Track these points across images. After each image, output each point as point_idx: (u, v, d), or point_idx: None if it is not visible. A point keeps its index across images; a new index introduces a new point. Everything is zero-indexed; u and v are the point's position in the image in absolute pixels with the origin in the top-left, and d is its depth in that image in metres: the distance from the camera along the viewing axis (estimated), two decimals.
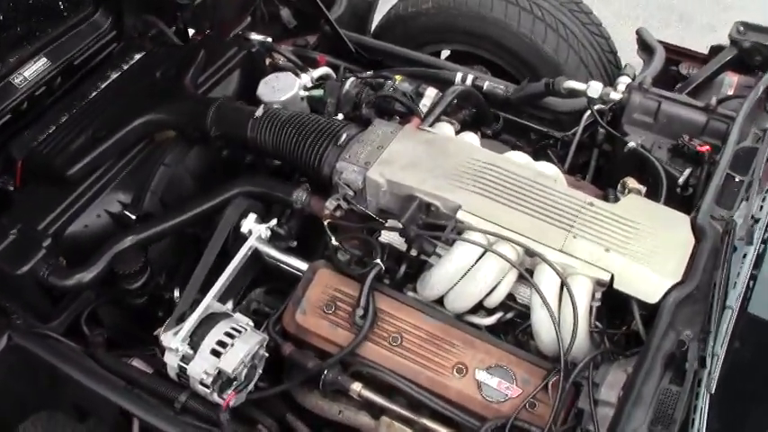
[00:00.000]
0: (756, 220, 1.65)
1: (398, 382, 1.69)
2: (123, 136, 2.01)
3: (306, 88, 2.23)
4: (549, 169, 1.88)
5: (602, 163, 2.30)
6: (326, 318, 1.76)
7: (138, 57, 2.30)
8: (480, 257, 1.68)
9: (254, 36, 2.41)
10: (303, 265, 1.86)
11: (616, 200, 1.86)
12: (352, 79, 2.12)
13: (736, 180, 1.82)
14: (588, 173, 2.27)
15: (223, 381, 1.67)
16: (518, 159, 1.89)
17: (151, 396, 1.72)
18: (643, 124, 2.10)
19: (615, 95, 2.13)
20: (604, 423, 1.49)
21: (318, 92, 2.22)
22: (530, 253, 1.67)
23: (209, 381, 1.65)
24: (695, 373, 1.42)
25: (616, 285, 1.62)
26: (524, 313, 1.74)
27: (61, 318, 1.91)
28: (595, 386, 1.53)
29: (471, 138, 1.97)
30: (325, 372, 1.71)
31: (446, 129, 1.98)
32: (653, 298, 1.59)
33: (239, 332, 1.70)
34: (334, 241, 1.82)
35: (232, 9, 2.68)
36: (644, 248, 1.65)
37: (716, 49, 2.41)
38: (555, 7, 2.54)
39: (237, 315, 1.77)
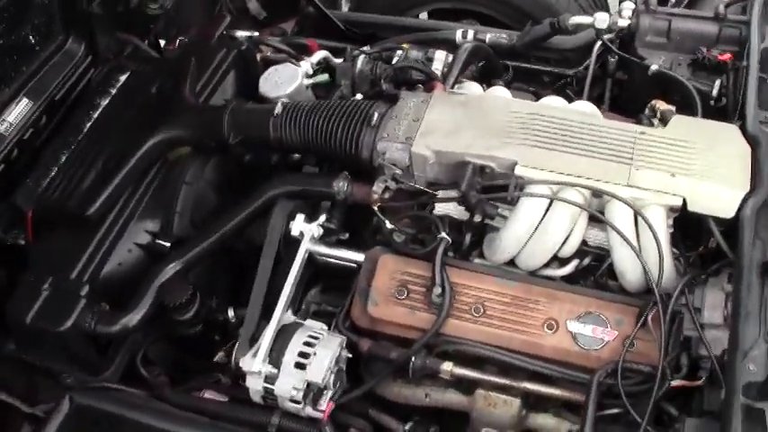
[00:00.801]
0: None
1: (491, 352, 1.64)
2: (136, 162, 1.90)
3: (308, 76, 2.14)
4: (586, 107, 1.84)
5: (616, 92, 2.27)
6: (401, 304, 1.70)
7: (123, 78, 2.18)
8: (548, 209, 1.63)
9: (240, 33, 2.31)
10: (359, 256, 1.80)
11: (651, 125, 1.84)
12: (362, 57, 2.04)
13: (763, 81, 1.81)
14: (604, 104, 2.25)
15: (314, 392, 1.61)
16: (556, 104, 1.84)
17: (240, 425, 1.64)
18: (657, 45, 2.08)
19: (623, 22, 2.11)
20: (716, 346, 1.47)
21: (323, 77, 2.15)
22: (597, 194, 1.63)
23: (299, 396, 1.59)
24: None
25: (690, 208, 1.59)
26: (600, 256, 1.71)
27: (114, 366, 1.81)
28: (697, 311, 1.51)
29: (503, 92, 1.92)
30: (413, 359, 1.66)
31: (474, 87, 1.92)
32: (729, 212, 1.57)
33: (317, 339, 1.64)
34: (388, 224, 1.76)
35: (196, 11, 2.57)
36: (706, 166, 1.63)
37: None
38: None
39: (309, 322, 1.71)
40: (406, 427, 1.76)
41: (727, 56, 1.95)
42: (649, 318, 1.55)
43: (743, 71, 1.88)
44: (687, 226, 1.66)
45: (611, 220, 1.60)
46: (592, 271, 1.73)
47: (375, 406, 1.79)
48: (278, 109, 1.85)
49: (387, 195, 1.76)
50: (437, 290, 1.64)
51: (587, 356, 1.60)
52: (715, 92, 1.91)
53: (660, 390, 1.47)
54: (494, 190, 1.66)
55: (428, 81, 1.94)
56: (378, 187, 1.75)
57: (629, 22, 2.10)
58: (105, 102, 2.12)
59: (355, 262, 1.81)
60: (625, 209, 1.60)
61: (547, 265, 1.73)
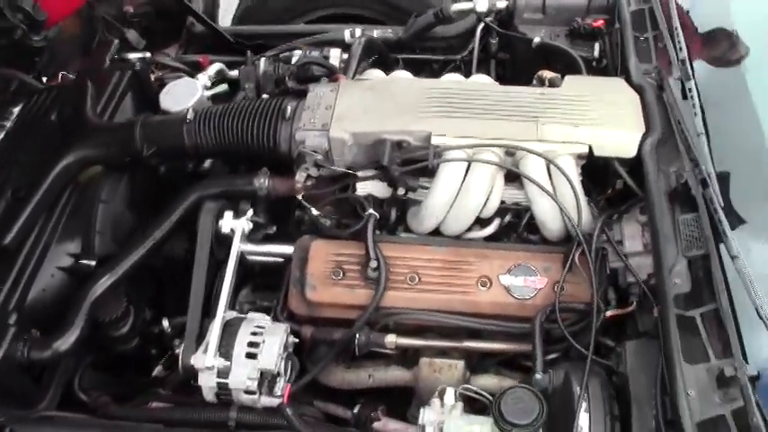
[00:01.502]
0: (682, 60, 1.80)
1: (430, 316, 1.70)
2: (48, 187, 1.86)
3: (207, 88, 2.16)
4: (483, 78, 1.95)
5: (501, 72, 2.41)
6: (339, 284, 1.73)
7: (17, 110, 2.13)
8: (467, 172, 1.72)
9: (132, 55, 2.29)
10: (288, 249, 1.82)
11: None
12: (263, 59, 2.08)
13: (641, 38, 1.99)
14: None
15: (268, 380, 1.62)
16: (456, 79, 1.94)
17: (198, 427, 1.62)
18: (535, 21, 2.23)
19: (501, 3, 2.25)
20: (641, 271, 1.59)
21: (222, 87, 2.17)
22: (510, 152, 1.73)
23: (254, 386, 1.58)
24: (703, 195, 1.55)
25: (596, 153, 1.72)
26: (519, 212, 1.80)
27: (50, 394, 1.74)
28: (618, 243, 1.62)
29: (405, 74, 2.02)
30: (357, 336, 1.69)
31: (377, 73, 2.00)
32: (631, 152, 1.71)
33: (263, 328, 1.65)
34: (314, 211, 1.80)
35: (74, 46, 2.54)
36: (603, 114, 1.77)
37: None
38: None
39: (252, 315, 1.71)
40: (354, 411, 1.78)
41: (600, 22, 2.12)
42: (576, 258, 1.65)
43: (617, 33, 2.05)
44: (593, 173, 1.78)
45: (527, 174, 1.70)
46: (513, 228, 1.82)
47: (319, 396, 1.81)
48: (190, 115, 1.85)
49: (309, 183, 1.80)
50: (373, 263, 1.69)
51: (523, 306, 1.68)
52: (596, 53, 2.06)
53: (598, 321, 1.57)
54: (416, 162, 1.73)
55: (330, 75, 1.99)
56: (300, 176, 1.79)
57: (506, 2, 2.24)
58: (1, 135, 2.07)
59: (285, 255, 1.83)
60: (538, 161, 1.71)
61: (470, 229, 1.81)
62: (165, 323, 1.83)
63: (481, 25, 2.32)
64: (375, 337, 1.71)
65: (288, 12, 2.60)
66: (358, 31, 2.34)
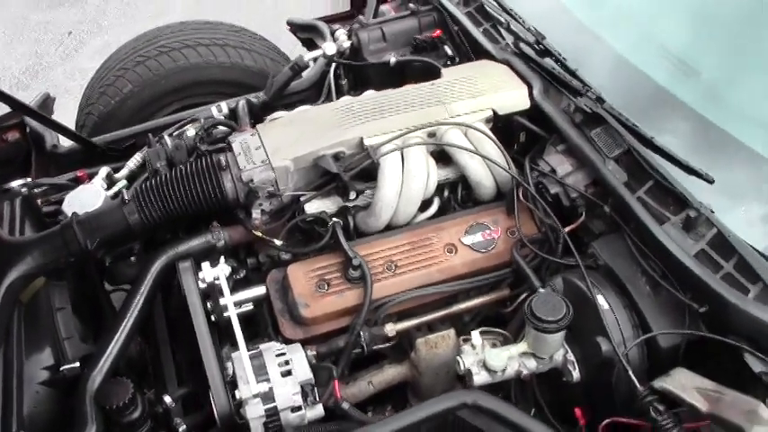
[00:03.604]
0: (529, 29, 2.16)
1: (420, 292, 1.85)
2: None
3: (107, 189, 2.17)
4: (371, 92, 2.18)
5: None
6: (328, 295, 1.82)
7: None
8: (404, 160, 1.92)
9: (12, 183, 2.24)
10: (260, 289, 1.88)
11: None
12: (165, 136, 2.14)
13: (481, 28, 2.34)
14: None
15: (308, 392, 1.66)
16: (350, 98, 2.15)
17: None
18: (380, 50, 2.50)
19: (347, 43, 2.50)
20: (579, 186, 1.86)
21: (122, 183, 2.19)
22: (431, 134, 1.97)
23: (300, 400, 1.63)
24: (603, 108, 1.87)
25: (500, 113, 2.01)
26: (453, 184, 2.03)
27: None
28: (554, 172, 1.89)
29: (305, 107, 2.19)
30: (362, 333, 1.79)
31: (282, 113, 2.15)
32: (526, 104, 2.02)
33: (283, 349, 1.70)
34: (277, 241, 1.89)
35: None
36: (490, 84, 2.07)
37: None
38: (233, 32, 2.83)
39: (262, 345, 1.74)
40: None
41: (437, 32, 2.45)
42: (521, 194, 1.89)
43: (458, 34, 2.38)
44: (499, 133, 2.03)
45: (454, 143, 1.94)
46: (454, 200, 2.04)
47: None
48: (126, 197, 1.88)
49: (265, 218, 1.90)
50: (355, 261, 1.81)
51: (489, 256, 1.89)
52: (450, 52, 2.38)
53: (560, 243, 1.82)
54: (358, 165, 1.90)
55: (236, 129, 2.12)
56: (256, 213, 1.89)
57: (351, 41, 2.51)
58: None
59: (260, 296, 1.88)
60: (458, 132, 1.96)
61: (416, 216, 2.00)
62: (168, 399, 1.79)
63: (332, 68, 2.54)
64: (376, 330, 1.81)
65: (141, 112, 2.67)
66: (224, 106, 2.46)
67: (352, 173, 1.89)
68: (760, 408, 1.31)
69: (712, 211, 1.63)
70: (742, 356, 1.45)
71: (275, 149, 1.92)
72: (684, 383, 1.42)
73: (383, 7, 2.81)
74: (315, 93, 2.61)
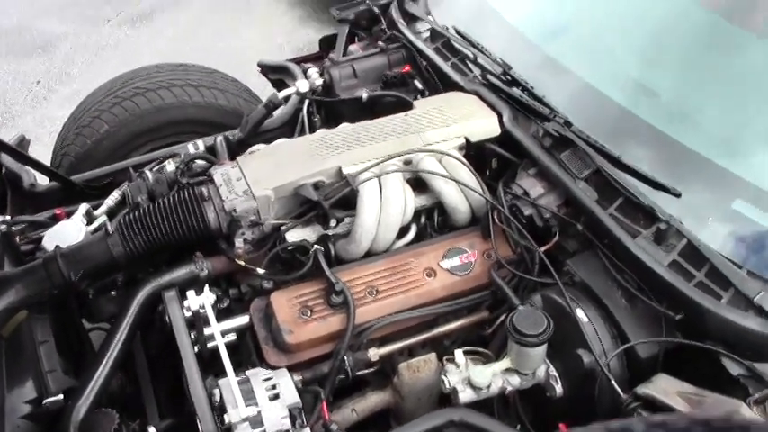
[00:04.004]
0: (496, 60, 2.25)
1: (402, 316, 1.88)
2: None
3: (87, 224, 2.19)
4: (346, 124, 2.23)
5: None
6: (311, 321, 1.84)
7: None
8: (381, 187, 1.97)
9: None
10: (243, 318, 1.90)
11: None
12: (147, 172, 2.16)
13: (449, 62, 2.42)
14: None
15: (296, 416, 1.67)
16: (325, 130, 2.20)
17: None
18: (351, 86, 2.57)
19: (319, 81, 2.57)
20: (551, 207, 1.92)
21: (102, 219, 2.21)
22: (407, 161, 2.02)
23: (288, 424, 1.64)
24: (571, 130, 1.94)
25: (472, 140, 2.07)
26: (429, 211, 2.08)
27: None
28: (526, 194, 1.96)
29: (284, 139, 2.23)
30: (347, 357, 1.81)
31: (260, 146, 2.20)
32: (497, 131, 2.09)
33: (269, 374, 1.71)
34: (260, 270, 1.92)
35: None
36: (461, 113, 2.14)
37: (327, 39, 3.00)
38: (206, 74, 2.89)
39: (248, 371, 1.76)
40: None
41: (406, 68, 2.52)
42: (496, 216, 1.95)
43: (425, 68, 2.46)
44: (472, 160, 2.10)
45: (429, 170, 1.99)
46: (431, 226, 2.09)
47: None
48: (110, 228, 1.90)
49: (247, 247, 1.92)
50: (338, 287, 1.84)
51: (467, 279, 1.94)
52: (420, 86, 2.45)
53: (536, 263, 1.87)
54: (338, 193, 1.94)
55: (215, 163, 2.16)
56: (238, 242, 1.91)
57: (323, 79, 2.57)
58: None
59: (244, 325, 1.90)
60: (433, 160, 2.01)
61: (394, 243, 2.04)
62: (153, 430, 1.79)
63: (305, 105, 2.60)
64: (359, 355, 1.84)
65: (118, 151, 2.69)
66: (200, 144, 2.51)
67: (332, 201, 1.93)
68: (742, 408, 1.36)
69: (681, 223, 1.70)
70: (719, 360, 1.50)
71: (256, 180, 1.96)
72: (666, 389, 1.46)
73: (352, 47, 2.88)
74: (288, 130, 2.67)
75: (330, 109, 2.62)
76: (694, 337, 1.56)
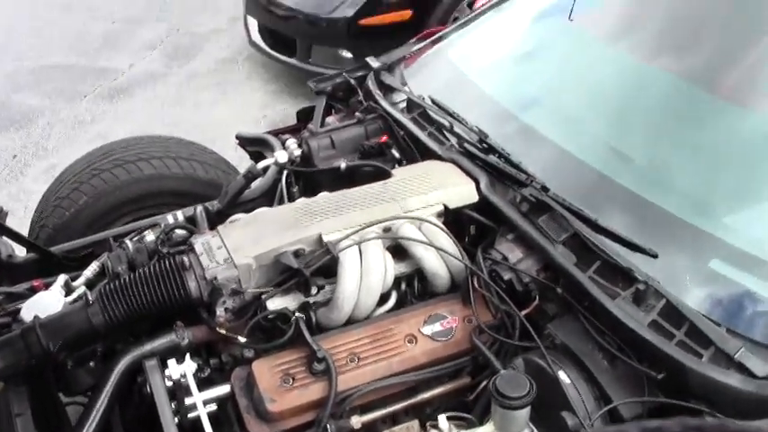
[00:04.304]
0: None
1: (384, 382, 1.87)
2: None
3: (67, 295, 2.17)
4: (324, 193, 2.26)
5: None
6: (293, 389, 1.83)
7: None
8: (362, 255, 1.99)
9: None
10: (224, 387, 1.88)
11: None
12: (127, 242, 2.16)
13: (426, 131, 2.47)
14: None
15: None
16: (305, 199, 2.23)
17: None
18: (329, 156, 2.61)
19: (297, 151, 2.61)
20: (531, 271, 1.94)
21: (81, 289, 2.19)
22: (386, 228, 2.04)
23: None
24: (548, 195, 1.98)
25: (451, 207, 2.11)
26: (409, 278, 2.09)
27: None
28: (505, 259, 1.98)
29: (264, 209, 2.25)
30: (328, 425, 1.79)
31: (240, 215, 2.21)
32: (474, 197, 2.13)
33: None
34: (241, 339, 1.91)
35: None
36: (439, 180, 2.17)
37: (304, 111, 3.06)
38: (185, 146, 2.93)
39: None
40: None
41: (383, 138, 2.57)
42: (476, 283, 1.97)
43: (402, 138, 2.51)
44: (450, 227, 2.13)
45: (409, 237, 2.02)
46: (411, 293, 2.10)
47: None
48: (90, 298, 1.89)
49: (229, 316, 1.92)
50: (320, 354, 1.83)
51: (448, 345, 1.93)
52: (397, 155, 2.49)
53: (517, 327, 1.89)
54: (318, 261, 1.95)
55: (195, 232, 2.16)
56: (220, 311, 1.91)
57: (302, 149, 2.61)
58: None
59: (225, 395, 1.88)
60: (412, 227, 2.04)
61: (375, 310, 2.05)
62: None
63: (284, 175, 2.63)
64: (342, 423, 1.82)
65: (96, 223, 2.69)
66: (179, 215, 2.52)
67: (313, 268, 1.94)
68: None
69: (659, 283, 1.73)
70: (702, 418, 1.51)
71: (237, 248, 1.97)
72: None
73: (329, 119, 2.94)
74: (267, 200, 2.68)
75: (308, 179, 2.65)
76: (677, 395, 1.57)
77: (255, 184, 2.64)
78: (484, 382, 1.89)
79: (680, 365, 1.55)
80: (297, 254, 1.97)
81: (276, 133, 3.00)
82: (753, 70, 2.09)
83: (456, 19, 4.81)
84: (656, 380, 1.60)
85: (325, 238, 1.98)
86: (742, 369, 1.54)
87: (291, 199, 2.62)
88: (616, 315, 1.68)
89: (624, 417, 1.63)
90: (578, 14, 2.39)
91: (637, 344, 1.65)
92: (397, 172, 2.28)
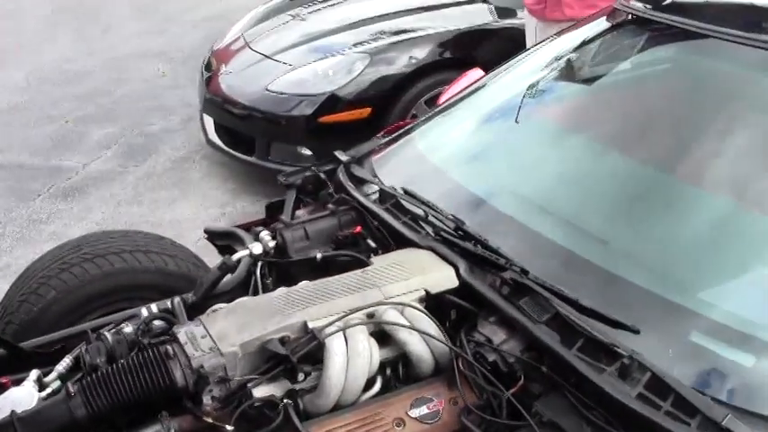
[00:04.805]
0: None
1: None
2: None
3: (41, 390, 2.12)
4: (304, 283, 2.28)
5: None
6: None
7: None
8: (347, 340, 2.00)
9: None
10: None
11: None
12: (106, 334, 2.13)
13: (401, 221, 2.53)
14: None
15: None
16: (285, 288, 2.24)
17: None
18: (304, 248, 2.64)
19: (272, 243, 2.64)
20: (515, 351, 1.98)
21: (56, 384, 2.15)
22: (370, 314, 2.07)
23: None
24: (528, 278, 2.05)
25: (432, 292, 2.15)
26: (393, 363, 2.10)
27: None
28: (489, 341, 2.02)
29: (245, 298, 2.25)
30: None
31: (221, 305, 2.21)
32: (455, 282, 2.18)
33: None
34: (229, 427, 1.89)
35: None
36: (419, 266, 2.22)
37: (273, 205, 3.11)
38: (154, 240, 2.94)
39: None
40: None
41: (357, 229, 2.62)
42: (461, 364, 1.99)
43: (377, 228, 2.57)
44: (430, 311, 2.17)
45: (393, 322, 2.05)
46: (395, 379, 2.11)
47: None
48: (71, 391, 1.85)
49: (215, 404, 1.90)
50: None
51: (436, 427, 1.94)
52: (373, 244, 2.54)
53: (503, 407, 1.91)
54: (305, 347, 1.96)
55: (175, 323, 2.16)
56: (207, 399, 1.89)
57: (276, 241, 2.64)
58: None
59: None
60: (395, 312, 2.07)
61: (360, 396, 2.05)
62: None
63: (258, 266, 2.64)
64: None
65: (66, 318, 2.65)
66: (153, 307, 2.50)
67: (299, 355, 1.94)
68: None
69: (643, 357, 1.78)
70: None
71: (221, 337, 1.97)
72: None
73: (298, 212, 2.98)
74: (242, 292, 2.68)
75: (283, 270, 2.67)
76: None
77: (228, 276, 2.65)
78: None
79: None
80: (282, 341, 1.98)
81: (246, 227, 3.03)
82: (707, 155, 2.24)
83: (414, 116, 5.01)
84: None
85: (311, 325, 2.00)
86: None
87: (266, 290, 2.63)
88: (604, 388, 1.72)
89: None
90: (543, 105, 2.53)
91: (624, 416, 1.68)
92: (376, 260, 2.32)
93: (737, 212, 2.20)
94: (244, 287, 2.69)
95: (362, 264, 2.36)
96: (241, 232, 2.88)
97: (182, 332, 2.00)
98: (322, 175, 3.02)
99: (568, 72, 2.96)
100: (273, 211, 3.07)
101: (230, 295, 2.63)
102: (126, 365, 1.90)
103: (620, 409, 1.69)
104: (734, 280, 1.96)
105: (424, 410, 1.97)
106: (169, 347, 1.93)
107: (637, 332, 1.81)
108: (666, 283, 1.95)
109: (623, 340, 1.84)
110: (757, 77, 2.50)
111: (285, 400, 1.91)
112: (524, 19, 5.16)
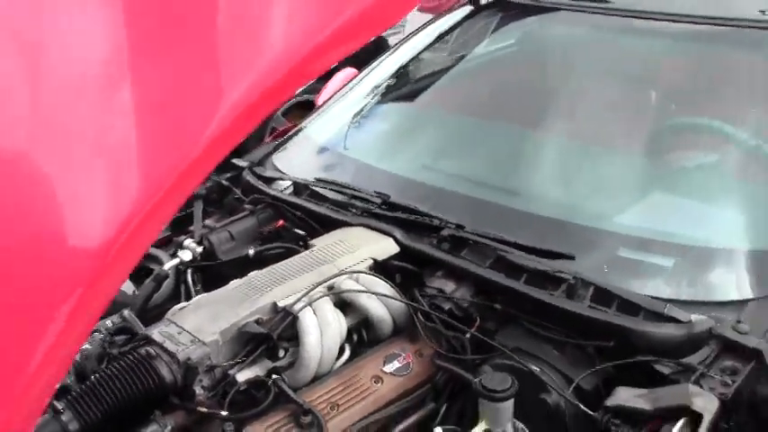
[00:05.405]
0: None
1: (365, 422, 2.02)
2: None
3: None
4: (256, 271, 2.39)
5: None
6: None
7: None
8: (316, 313, 2.15)
9: None
10: None
11: None
12: (86, 346, 2.13)
13: (325, 206, 2.69)
14: None
15: None
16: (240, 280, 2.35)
17: None
18: (231, 248, 2.72)
19: (199, 248, 2.70)
20: (466, 295, 2.21)
21: None
22: (330, 287, 2.23)
23: None
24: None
25: (379, 259, 2.34)
26: (357, 329, 2.27)
27: None
28: (441, 291, 2.23)
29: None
30: None
31: (183, 303, 2.28)
32: (396, 249, 2.38)
33: None
34: (223, 413, 1.97)
35: None
36: (358, 241, 2.41)
37: (179, 219, 3.15)
38: None
39: None
40: None
41: (280, 223, 2.76)
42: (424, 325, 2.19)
43: (300, 218, 2.71)
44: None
45: (352, 289, 2.22)
46: (364, 342, 2.28)
47: None
48: (58, 407, 1.86)
49: (207, 393, 1.98)
50: (306, 406, 1.95)
51: (411, 377, 2.13)
52: (301, 232, 2.68)
53: (467, 346, 2.13)
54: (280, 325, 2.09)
55: (137, 331, 2.20)
56: (198, 389, 1.97)
57: (203, 246, 2.71)
58: None
59: None
60: (351, 281, 2.25)
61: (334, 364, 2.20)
62: None
63: (190, 272, 2.70)
64: None
65: None
66: (108, 322, 2.46)
67: (277, 333, 2.07)
68: (689, 387, 1.69)
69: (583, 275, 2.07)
70: (653, 368, 1.83)
71: (198, 329, 2.05)
72: (626, 397, 1.76)
73: (207, 221, 3.05)
74: (175, 302, 2.73)
75: (214, 274, 2.74)
76: (625, 357, 1.88)
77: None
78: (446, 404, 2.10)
79: (623, 329, 1.88)
80: (257, 323, 2.09)
81: (156, 246, 3.06)
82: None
83: (273, 129, 5.14)
84: (606, 349, 1.90)
85: (281, 304, 2.13)
86: (672, 320, 1.90)
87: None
88: (558, 305, 1.98)
89: (586, 389, 1.91)
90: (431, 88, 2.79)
91: (581, 325, 1.95)
92: (316, 241, 2.47)
93: (613, 154, 2.59)
94: (176, 297, 2.74)
95: (296, 251, 2.51)
96: (154, 250, 2.92)
97: (155, 333, 2.06)
98: (225, 183, 3.11)
99: (440, 54, 3.27)
100: (181, 225, 3.12)
101: (162, 308, 2.68)
102: (111, 373, 1.93)
103: (576, 321, 1.95)
104: (640, 203, 2.31)
105: (396, 365, 2.15)
106: (149, 349, 1.98)
107: (572, 258, 2.09)
108: (584, 215, 2.26)
109: (561, 267, 2.12)
110: (602, 38, 2.91)
111: (273, 376, 2.02)
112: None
